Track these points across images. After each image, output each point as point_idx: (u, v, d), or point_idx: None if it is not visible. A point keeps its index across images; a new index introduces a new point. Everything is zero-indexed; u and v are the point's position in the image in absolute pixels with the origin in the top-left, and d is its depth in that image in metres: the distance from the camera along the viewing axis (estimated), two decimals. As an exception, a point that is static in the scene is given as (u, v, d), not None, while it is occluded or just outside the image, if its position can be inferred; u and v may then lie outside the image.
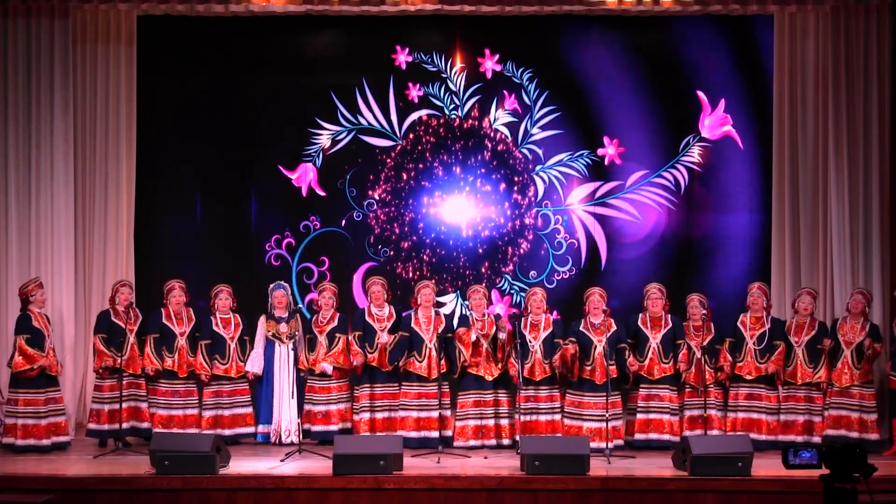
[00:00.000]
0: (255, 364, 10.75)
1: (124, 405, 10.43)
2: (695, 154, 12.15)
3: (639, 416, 10.47)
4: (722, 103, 12.12)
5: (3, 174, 11.35)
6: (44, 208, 11.38)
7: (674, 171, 12.17)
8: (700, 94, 12.12)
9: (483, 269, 12.22)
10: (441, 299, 11.88)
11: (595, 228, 12.21)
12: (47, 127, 11.36)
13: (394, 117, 12.22)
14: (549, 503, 8.88)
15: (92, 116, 11.83)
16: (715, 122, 12.14)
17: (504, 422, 10.54)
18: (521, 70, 12.19)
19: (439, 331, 10.53)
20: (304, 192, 12.23)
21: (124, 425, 10.43)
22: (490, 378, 10.51)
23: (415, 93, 12.18)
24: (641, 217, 12.21)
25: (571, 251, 12.23)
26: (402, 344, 10.54)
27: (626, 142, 12.18)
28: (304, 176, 12.21)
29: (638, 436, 10.45)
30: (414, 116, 12.23)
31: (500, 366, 10.52)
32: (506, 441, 10.48)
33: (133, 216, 11.96)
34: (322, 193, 12.24)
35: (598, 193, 12.22)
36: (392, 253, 12.22)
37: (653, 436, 10.41)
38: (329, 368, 10.57)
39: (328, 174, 12.24)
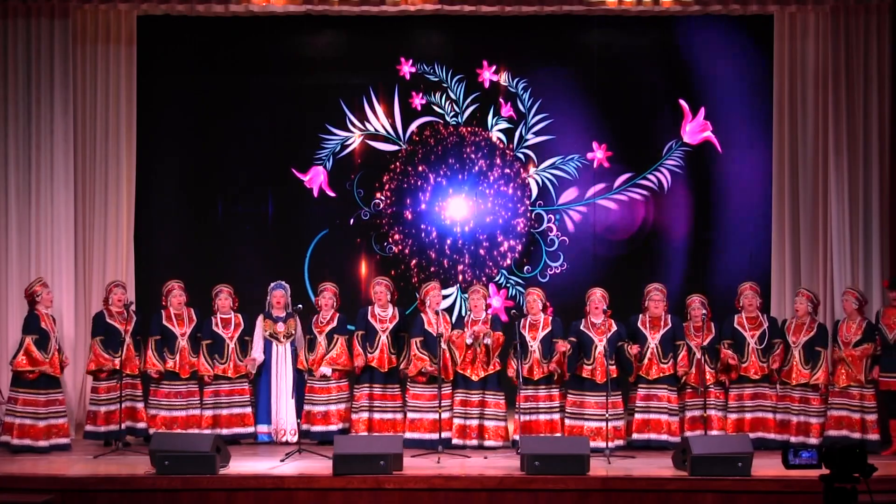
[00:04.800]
0: (255, 351, 10.73)
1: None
2: (677, 158, 12.32)
3: (637, 416, 10.46)
4: (702, 111, 12.29)
5: (3, 174, 11.35)
6: (44, 208, 11.37)
7: (657, 174, 12.37)
8: (682, 101, 12.30)
9: (481, 265, 12.40)
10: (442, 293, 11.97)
11: (585, 227, 12.40)
12: (47, 127, 11.36)
13: (398, 123, 12.41)
14: (549, 503, 8.88)
15: (92, 116, 11.82)
16: (695, 129, 12.33)
17: (489, 423, 10.47)
18: (516, 80, 12.46)
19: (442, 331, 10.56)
20: (315, 193, 12.36)
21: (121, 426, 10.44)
22: (476, 378, 10.49)
23: (418, 101, 12.46)
24: (627, 216, 12.45)
25: (563, 248, 12.46)
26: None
27: (614, 146, 12.42)
28: (316, 178, 12.43)
29: (636, 435, 10.43)
30: (417, 123, 12.47)
31: (486, 368, 10.50)
32: (489, 443, 10.42)
33: (133, 216, 11.95)
34: (332, 194, 12.37)
35: (588, 194, 12.44)
36: (396, 250, 12.40)
37: (652, 436, 10.40)
38: (328, 372, 10.56)
39: (337, 176, 12.39)
